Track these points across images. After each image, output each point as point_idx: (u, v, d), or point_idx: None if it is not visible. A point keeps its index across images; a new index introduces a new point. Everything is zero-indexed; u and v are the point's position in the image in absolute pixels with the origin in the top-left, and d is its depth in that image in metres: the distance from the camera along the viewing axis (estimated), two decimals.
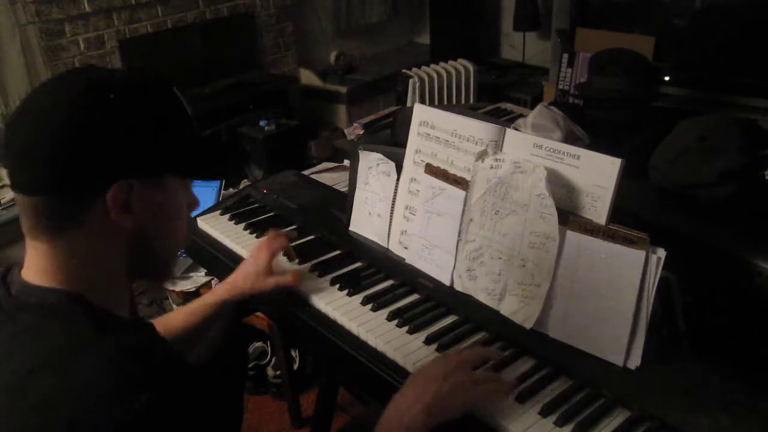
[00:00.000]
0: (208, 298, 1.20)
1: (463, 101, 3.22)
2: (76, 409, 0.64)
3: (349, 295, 1.20)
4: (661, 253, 0.94)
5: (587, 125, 1.71)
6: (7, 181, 2.69)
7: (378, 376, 1.04)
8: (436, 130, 1.22)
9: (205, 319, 1.17)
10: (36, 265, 0.76)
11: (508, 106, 2.48)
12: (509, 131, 1.12)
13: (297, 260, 1.30)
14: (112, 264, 0.78)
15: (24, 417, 0.66)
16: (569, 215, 1.02)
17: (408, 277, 1.23)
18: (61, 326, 0.71)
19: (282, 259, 1.28)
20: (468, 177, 1.15)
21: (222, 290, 1.20)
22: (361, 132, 2.30)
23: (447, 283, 1.19)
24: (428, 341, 1.06)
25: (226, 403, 0.76)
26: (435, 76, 3.11)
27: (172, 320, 1.16)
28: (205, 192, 2.27)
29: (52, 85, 0.76)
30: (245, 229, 1.46)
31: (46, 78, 2.95)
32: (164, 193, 0.78)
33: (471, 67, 3.23)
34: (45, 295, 0.73)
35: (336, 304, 1.17)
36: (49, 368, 0.68)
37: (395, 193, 1.30)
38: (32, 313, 0.73)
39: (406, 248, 1.27)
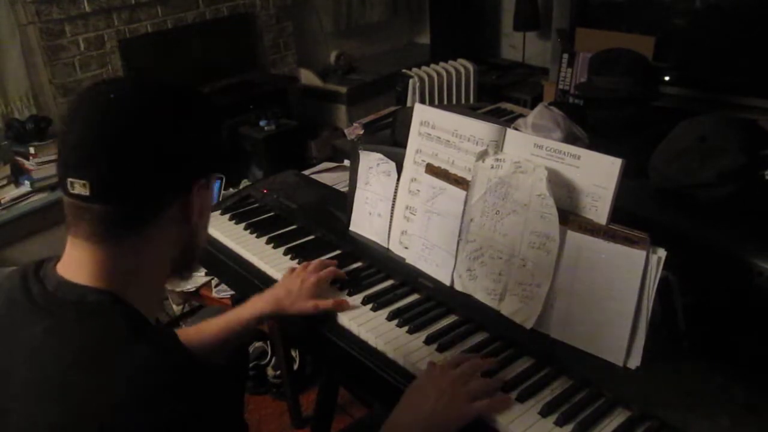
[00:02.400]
0: (243, 312, 1.17)
1: (463, 101, 3.22)
2: (109, 410, 0.65)
3: (349, 295, 1.20)
4: (662, 253, 0.94)
5: (587, 125, 1.71)
6: (5, 181, 2.70)
7: (378, 376, 1.04)
8: (436, 130, 1.22)
9: (241, 332, 1.17)
10: (78, 264, 0.75)
11: (508, 106, 2.48)
12: (510, 131, 1.12)
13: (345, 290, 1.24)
14: (162, 264, 0.81)
15: (57, 412, 0.67)
16: (570, 215, 1.02)
17: (408, 277, 1.23)
18: (100, 325, 0.72)
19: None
20: (468, 177, 1.15)
21: (262, 304, 1.17)
22: (361, 132, 2.30)
23: (447, 283, 1.19)
24: (428, 341, 1.06)
25: (227, 403, 0.77)
26: (435, 76, 3.11)
27: (207, 329, 1.14)
28: None
29: (127, 90, 0.77)
30: (245, 229, 1.46)
31: (47, 78, 2.93)
32: (210, 189, 0.83)
33: (471, 67, 3.24)
34: (85, 294, 0.74)
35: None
36: (86, 366, 0.68)
37: (395, 193, 1.30)
38: (70, 310, 0.73)
39: (406, 248, 1.27)
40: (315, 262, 1.23)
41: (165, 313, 2.69)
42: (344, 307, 1.16)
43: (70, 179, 0.72)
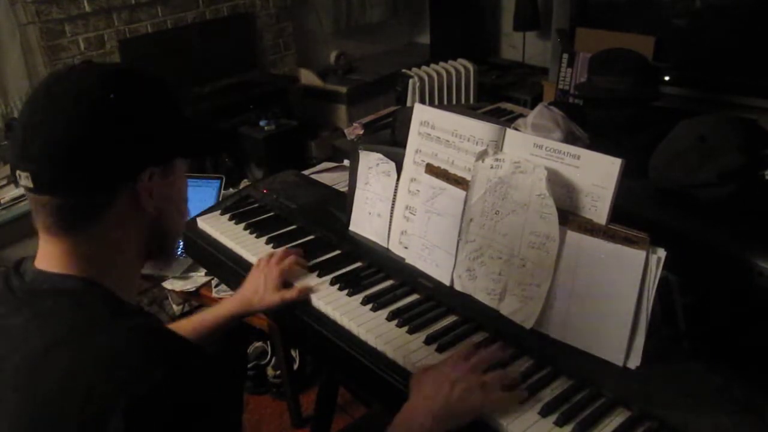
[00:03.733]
0: (218, 311, 1.20)
1: (463, 101, 3.22)
2: (91, 383, 0.66)
3: (349, 295, 1.20)
4: (661, 253, 0.94)
5: (587, 125, 1.71)
6: (5, 181, 2.70)
7: (378, 376, 1.04)
8: (436, 130, 1.22)
9: (213, 332, 1.19)
10: (51, 256, 0.77)
11: (508, 106, 2.48)
12: (509, 131, 1.12)
13: (308, 269, 1.28)
14: (128, 251, 0.81)
15: (42, 392, 0.68)
16: (569, 215, 1.02)
17: (408, 277, 1.23)
18: (74, 308, 0.73)
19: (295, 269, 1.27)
20: (468, 177, 1.15)
21: (231, 304, 1.20)
22: (361, 132, 2.30)
23: (447, 283, 1.19)
24: (428, 341, 1.06)
25: (226, 403, 0.77)
26: (435, 76, 3.12)
27: (179, 329, 1.15)
28: (205, 192, 2.27)
29: (65, 84, 0.75)
30: (245, 229, 1.46)
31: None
32: (174, 176, 0.82)
33: (471, 67, 3.24)
34: (60, 281, 0.75)
35: (336, 304, 1.17)
36: (66, 345, 0.69)
37: (395, 193, 1.30)
38: (48, 298, 0.74)
39: (406, 248, 1.27)
40: (278, 252, 1.26)
41: (165, 314, 2.69)
42: (309, 292, 1.19)
43: (17, 171, 0.73)
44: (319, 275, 1.26)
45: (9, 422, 0.69)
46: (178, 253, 0.91)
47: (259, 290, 1.19)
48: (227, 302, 1.23)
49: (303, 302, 1.20)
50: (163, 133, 0.79)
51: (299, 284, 1.22)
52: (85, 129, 0.72)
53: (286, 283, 1.22)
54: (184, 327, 1.17)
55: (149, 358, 0.68)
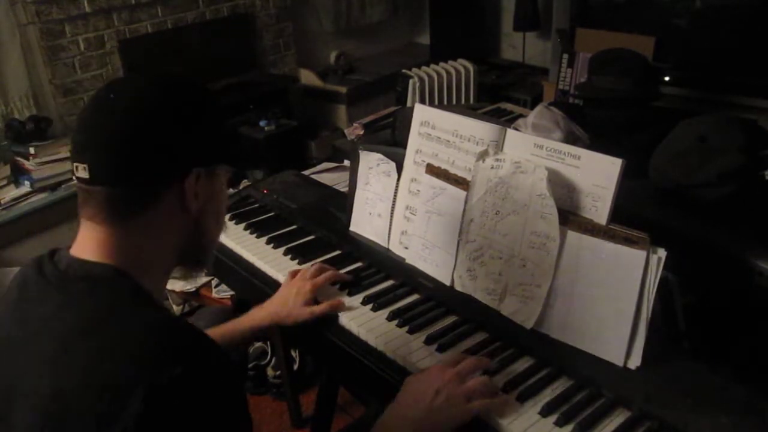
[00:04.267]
0: (243, 323, 1.19)
1: (463, 101, 3.22)
2: (113, 370, 0.68)
3: (349, 295, 1.20)
4: (662, 253, 0.94)
5: (587, 125, 1.71)
6: (5, 181, 2.70)
7: (378, 376, 1.04)
8: (436, 130, 1.22)
9: (239, 343, 1.19)
10: (88, 244, 0.80)
11: (508, 106, 2.48)
12: (510, 131, 1.12)
13: (345, 290, 1.23)
14: (165, 249, 0.84)
15: (62, 377, 0.70)
16: (570, 215, 1.02)
17: (408, 277, 1.23)
18: (104, 294, 0.76)
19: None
20: (469, 177, 1.15)
21: (260, 317, 1.19)
22: (361, 132, 2.30)
23: (447, 283, 1.19)
24: (428, 341, 1.06)
25: (237, 388, 0.79)
26: (435, 76, 3.11)
27: None
28: None
29: (127, 87, 0.83)
30: (245, 229, 1.46)
31: (47, 78, 2.93)
32: (218, 183, 0.86)
33: (471, 67, 3.23)
34: (92, 268, 0.78)
35: None
36: (93, 330, 0.72)
37: (395, 193, 1.30)
38: (80, 284, 0.77)
39: (406, 248, 1.27)
40: (312, 269, 1.23)
41: None
42: (340, 308, 1.16)
43: (75, 163, 0.78)
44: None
45: (37, 404, 0.70)
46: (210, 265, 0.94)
47: (287, 304, 1.17)
48: (254, 313, 1.20)
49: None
50: (211, 139, 0.84)
51: (330, 299, 1.19)
52: (141, 127, 0.77)
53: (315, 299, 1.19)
54: (211, 335, 1.16)
55: (172, 351, 0.70)
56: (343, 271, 1.27)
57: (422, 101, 3.02)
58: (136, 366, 0.68)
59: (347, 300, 1.18)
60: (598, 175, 1.00)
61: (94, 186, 0.78)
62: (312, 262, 1.30)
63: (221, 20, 3.74)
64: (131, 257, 0.80)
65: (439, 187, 1.20)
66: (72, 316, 0.74)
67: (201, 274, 0.94)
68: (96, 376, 0.68)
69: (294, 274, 1.24)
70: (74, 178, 0.79)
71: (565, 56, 3.27)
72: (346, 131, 2.41)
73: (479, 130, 1.15)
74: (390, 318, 1.12)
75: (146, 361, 0.68)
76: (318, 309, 1.16)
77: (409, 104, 2.96)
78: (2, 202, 2.64)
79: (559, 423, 0.89)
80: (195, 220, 0.84)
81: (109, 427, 0.65)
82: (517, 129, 1.47)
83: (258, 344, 2.37)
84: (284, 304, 1.17)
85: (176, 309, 2.66)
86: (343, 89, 4.11)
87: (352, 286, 1.22)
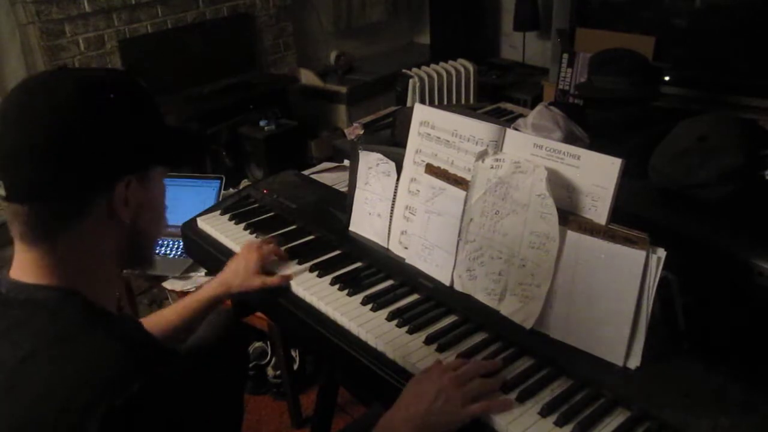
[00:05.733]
0: (199, 295, 1.23)
1: (463, 101, 3.22)
2: (67, 397, 0.65)
3: (349, 295, 1.20)
4: (661, 253, 0.94)
5: (587, 125, 1.71)
6: None
7: (378, 376, 1.04)
8: (436, 130, 1.22)
9: (196, 315, 1.22)
10: (26, 266, 0.75)
11: (508, 106, 2.48)
12: (509, 131, 1.12)
13: (289, 260, 1.31)
14: (104, 258, 0.79)
15: (15, 406, 0.67)
16: (569, 215, 1.02)
17: (408, 277, 1.23)
18: (51, 319, 0.72)
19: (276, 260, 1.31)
20: (468, 177, 1.15)
21: (211, 287, 1.24)
22: (361, 132, 2.30)
23: (447, 283, 1.19)
24: (428, 341, 1.06)
25: (226, 402, 0.77)
26: (435, 76, 3.12)
27: (164, 316, 1.20)
28: (205, 192, 2.27)
29: (38, 91, 0.74)
30: (245, 229, 1.46)
31: None
32: (152, 185, 0.80)
33: (471, 67, 3.24)
34: (35, 292, 0.74)
35: (336, 304, 1.17)
36: (39, 358, 0.68)
37: (395, 193, 1.30)
38: (22, 309, 0.73)
39: (406, 248, 1.27)
40: (259, 240, 1.31)
41: None
42: (290, 278, 1.24)
43: None
44: (319, 275, 1.25)
45: None
46: (168, 255, 0.91)
47: (239, 273, 1.23)
48: (208, 285, 1.26)
49: (303, 302, 1.21)
50: (140, 141, 0.77)
51: (281, 272, 1.26)
52: (58, 138, 0.70)
53: (268, 272, 1.25)
54: (167, 314, 1.20)
55: (127, 369, 0.67)
56: (343, 271, 1.27)
57: (422, 101, 3.02)
58: (90, 391, 0.65)
59: (347, 299, 1.18)
60: (597, 175, 1.00)
61: (13, 204, 0.72)
62: (312, 262, 1.30)
63: (221, 20, 3.74)
64: (72, 273, 0.75)
65: (438, 187, 1.20)
66: (18, 345, 0.70)
67: (151, 267, 0.91)
68: (49, 407, 0.65)
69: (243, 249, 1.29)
70: None
71: (565, 56, 3.27)
72: (346, 131, 2.41)
73: (479, 130, 1.15)
74: (390, 318, 1.12)
75: (100, 385, 0.65)
76: (269, 280, 1.23)
77: (409, 104, 2.96)
78: None
79: (558, 423, 0.89)
80: (130, 227, 0.79)
81: None
82: (517, 129, 1.47)
83: (258, 344, 2.37)
84: (236, 274, 1.23)
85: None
86: (343, 89, 4.11)
87: (351, 286, 1.21)
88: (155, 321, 1.18)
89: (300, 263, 1.31)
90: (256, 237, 1.41)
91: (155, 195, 0.82)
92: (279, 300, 1.23)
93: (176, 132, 0.86)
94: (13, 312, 0.73)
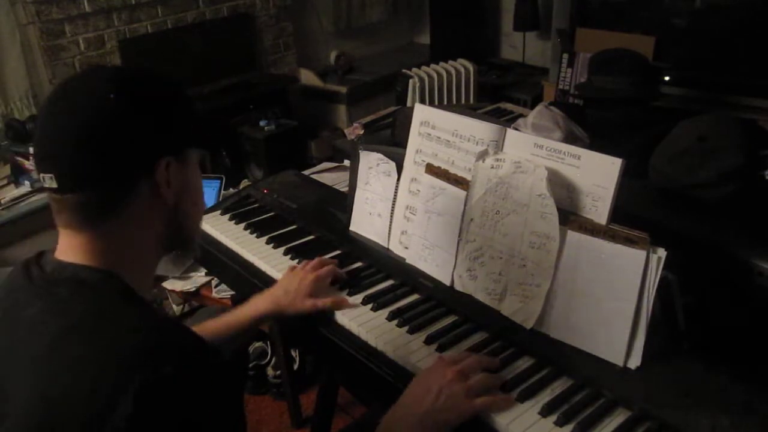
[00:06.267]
0: (246, 311, 1.18)
1: (463, 101, 3.23)
2: (100, 373, 0.67)
3: (349, 294, 1.20)
4: (662, 253, 0.94)
5: (587, 125, 1.71)
6: (5, 181, 2.70)
7: (378, 376, 1.04)
8: (436, 130, 1.22)
9: (240, 332, 1.18)
10: (71, 248, 0.79)
11: (508, 106, 2.48)
12: (510, 131, 1.12)
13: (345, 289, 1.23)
14: (147, 243, 0.83)
15: (52, 379, 0.69)
16: (570, 215, 1.02)
17: (408, 277, 1.23)
18: (92, 296, 0.75)
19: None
20: (469, 177, 1.15)
21: (260, 304, 1.18)
22: (361, 132, 2.30)
23: (447, 283, 1.19)
24: (428, 341, 1.06)
25: (226, 403, 0.77)
26: (435, 76, 3.12)
27: (206, 328, 1.14)
28: (206, 192, 2.26)
29: (78, 86, 0.79)
30: (245, 229, 1.46)
31: (47, 78, 2.93)
32: (190, 168, 0.85)
33: (471, 67, 3.24)
34: (78, 271, 0.77)
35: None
36: (78, 332, 0.71)
37: (395, 193, 1.30)
38: (65, 287, 0.76)
39: (406, 248, 1.27)
40: (314, 261, 1.23)
41: (164, 313, 2.69)
42: (343, 305, 1.16)
43: (41, 174, 0.76)
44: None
45: (27, 410, 0.70)
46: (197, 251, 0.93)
47: (290, 292, 1.16)
48: (256, 301, 1.19)
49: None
50: (175, 124, 0.82)
51: (332, 295, 1.19)
52: (100, 126, 0.75)
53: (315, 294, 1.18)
54: (211, 326, 1.15)
55: (162, 350, 0.69)
56: (343, 270, 1.27)
57: (422, 101, 3.02)
58: (125, 367, 0.67)
59: (348, 299, 1.18)
60: (598, 175, 1.00)
61: (63, 195, 0.76)
62: (312, 263, 1.29)
63: (221, 20, 3.74)
64: (116, 257, 0.79)
65: (439, 187, 1.20)
66: (57, 320, 0.73)
67: (190, 260, 0.92)
68: (84, 379, 0.68)
69: (293, 268, 1.24)
70: (43, 189, 0.78)
71: (565, 56, 3.28)
72: (346, 131, 2.41)
73: (479, 130, 1.15)
74: (390, 318, 1.12)
75: (135, 362, 0.67)
76: (321, 302, 1.15)
77: (409, 104, 2.96)
78: (2, 202, 2.64)
79: (559, 423, 0.89)
80: (173, 207, 0.83)
81: (100, 430, 0.65)
82: (517, 129, 1.47)
83: (258, 344, 2.37)
84: (287, 294, 1.16)
85: (176, 309, 2.66)
86: (343, 89, 4.11)
87: (351, 285, 1.21)
88: (199, 330, 1.12)
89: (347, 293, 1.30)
90: (273, 248, 1.35)
91: (194, 178, 0.86)
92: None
93: (204, 118, 0.92)
94: (54, 290, 0.76)
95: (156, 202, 0.80)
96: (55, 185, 0.75)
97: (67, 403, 0.67)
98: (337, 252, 1.35)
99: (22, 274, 0.80)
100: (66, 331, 0.72)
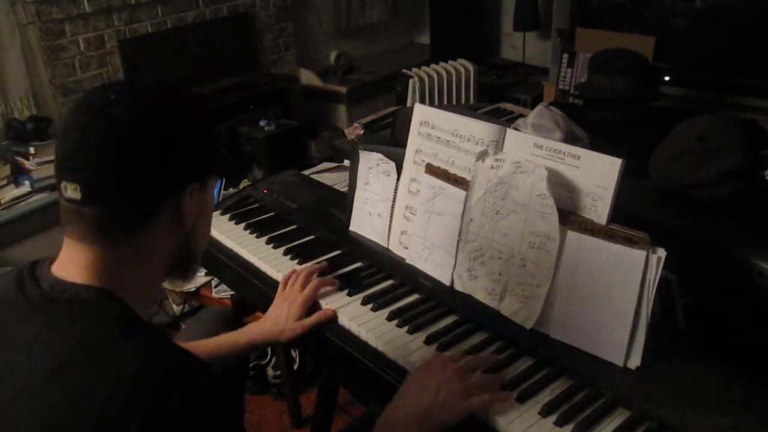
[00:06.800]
0: (239, 338, 1.18)
1: (463, 101, 3.22)
2: (108, 397, 0.66)
3: (349, 295, 1.20)
4: (661, 253, 0.94)
5: (587, 125, 1.71)
6: (5, 181, 2.70)
7: (378, 376, 1.04)
8: (436, 130, 1.22)
9: (231, 356, 1.18)
10: (75, 265, 0.76)
11: (508, 106, 2.48)
12: (510, 131, 1.12)
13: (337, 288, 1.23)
14: (155, 267, 0.81)
15: (53, 406, 0.67)
16: (570, 215, 1.02)
17: (408, 277, 1.23)
18: (94, 320, 0.73)
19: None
20: (468, 177, 1.15)
21: (253, 334, 1.18)
22: (361, 132, 2.30)
23: (447, 283, 1.19)
24: (428, 341, 1.06)
25: (227, 403, 0.77)
26: (435, 76, 3.11)
27: (198, 347, 1.14)
28: None
29: (119, 94, 0.76)
30: (245, 229, 1.46)
31: (47, 78, 2.93)
32: (207, 193, 0.84)
33: (471, 67, 3.23)
34: (79, 291, 0.75)
35: (336, 305, 1.17)
36: (80, 359, 0.69)
37: (395, 193, 1.30)
38: (65, 308, 0.74)
39: (406, 248, 1.27)
40: (303, 274, 1.21)
41: (165, 313, 2.69)
42: (327, 316, 1.15)
43: (63, 182, 0.74)
44: (320, 275, 1.25)
45: (20, 430, 0.68)
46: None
47: (280, 322, 1.16)
48: (252, 330, 1.19)
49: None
50: (205, 152, 0.81)
51: (323, 305, 1.18)
52: (139, 141, 0.73)
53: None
54: (203, 346, 1.15)
55: (168, 376, 0.68)
56: (343, 271, 1.27)
57: (422, 101, 3.02)
58: (132, 393, 0.66)
59: (347, 300, 1.18)
60: (597, 175, 1.00)
61: (83, 206, 0.73)
62: (312, 263, 1.30)
63: (221, 20, 3.74)
64: (121, 278, 0.77)
65: (438, 187, 1.20)
66: (58, 342, 0.71)
67: (189, 281, 0.92)
68: (89, 405, 0.66)
69: (286, 282, 1.22)
70: (61, 197, 0.75)
71: (565, 56, 3.27)
72: (346, 131, 2.41)
73: (479, 130, 1.15)
74: (390, 318, 1.12)
75: (142, 388, 0.66)
76: (308, 322, 1.15)
77: (409, 104, 2.96)
78: (2, 202, 2.64)
79: (558, 423, 0.89)
80: (187, 234, 0.82)
81: None
82: (517, 129, 1.47)
83: None
84: (277, 323, 1.16)
85: (176, 309, 2.66)
86: (343, 89, 4.11)
87: (351, 286, 1.21)
88: (190, 347, 1.12)
89: (300, 264, 1.31)
90: (273, 248, 1.34)
91: (209, 205, 0.86)
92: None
93: (223, 144, 0.90)
94: (56, 310, 0.74)
95: (173, 228, 0.79)
96: (77, 196, 0.73)
97: (72, 429, 0.66)
98: (337, 252, 1.35)
99: (15, 287, 0.76)
100: (67, 357, 0.69)
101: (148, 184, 0.75)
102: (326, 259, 1.31)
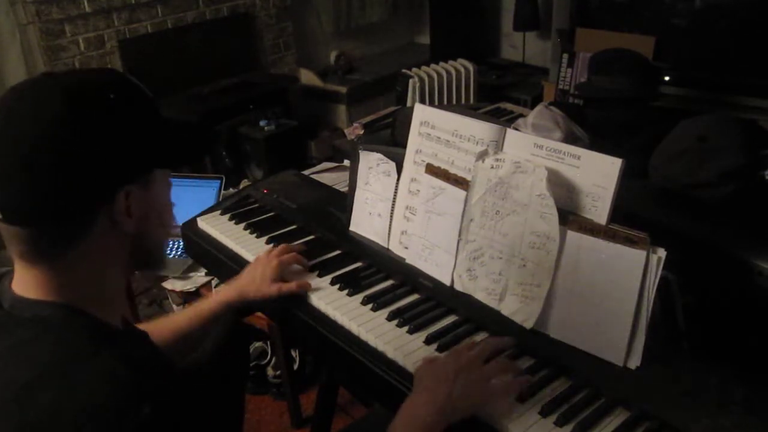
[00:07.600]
0: (213, 300, 1.21)
1: (463, 101, 3.22)
2: (78, 424, 0.63)
3: (349, 295, 1.20)
4: (662, 253, 0.94)
5: (587, 125, 1.71)
6: None
7: (378, 376, 1.04)
8: (436, 130, 1.22)
9: (209, 320, 1.19)
10: (29, 282, 0.73)
11: (508, 106, 2.48)
12: (510, 131, 1.12)
13: (308, 268, 1.28)
14: (111, 271, 0.77)
15: (27, 424, 0.65)
16: (570, 215, 1.02)
17: (408, 277, 1.23)
18: (58, 340, 0.69)
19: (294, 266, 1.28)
20: (468, 177, 1.15)
21: (227, 293, 1.21)
22: (361, 132, 2.30)
23: (447, 283, 1.19)
24: (428, 341, 1.06)
25: (227, 403, 0.77)
26: (435, 76, 3.11)
27: (175, 321, 1.17)
28: (205, 192, 2.27)
29: (23, 103, 0.69)
30: (245, 229, 1.46)
31: None
32: (154, 188, 0.77)
33: (471, 67, 3.23)
34: (40, 309, 0.71)
35: (336, 304, 1.17)
36: (47, 382, 0.66)
37: (395, 193, 1.30)
38: (27, 328, 0.71)
39: (406, 248, 1.27)
40: (279, 247, 1.26)
41: (165, 314, 2.69)
42: (307, 288, 1.20)
43: None
44: (320, 275, 1.26)
45: None
46: (168, 255, 0.88)
47: (255, 280, 1.19)
48: (222, 290, 1.23)
49: (303, 302, 1.20)
50: (138, 147, 0.73)
51: (300, 278, 1.22)
52: (48, 153, 0.66)
53: (284, 279, 1.22)
54: (178, 320, 1.17)
55: (138, 392, 0.66)
56: (343, 270, 1.27)
57: (422, 101, 3.02)
58: (104, 419, 0.63)
59: (347, 299, 1.18)
60: (598, 175, 1.00)
61: (11, 227, 0.69)
62: (311, 263, 1.30)
63: (221, 20, 3.75)
64: (78, 290, 0.73)
65: (438, 187, 1.20)
66: (22, 366, 0.67)
67: (160, 270, 0.88)
68: (62, 426, 0.63)
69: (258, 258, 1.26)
70: None
71: (565, 56, 3.28)
72: (346, 131, 2.41)
73: (479, 130, 1.15)
74: (390, 318, 1.12)
75: (113, 409, 0.64)
76: (286, 287, 1.18)
77: (409, 104, 2.96)
78: None
79: (558, 423, 0.89)
80: (136, 235, 0.76)
81: None
82: (517, 129, 1.47)
83: (258, 344, 2.37)
84: (252, 281, 1.19)
85: (176, 309, 2.66)
86: (343, 89, 4.11)
87: (351, 286, 1.21)
88: (165, 326, 1.14)
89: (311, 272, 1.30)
90: (274, 246, 1.36)
91: (159, 199, 0.79)
92: (278, 299, 1.23)
93: (177, 129, 0.81)
94: (18, 330, 0.71)
95: (116, 232, 0.73)
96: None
97: None
98: (337, 252, 1.35)
99: None
100: (35, 379, 0.66)
101: (69, 198, 0.68)
102: (326, 260, 1.31)
